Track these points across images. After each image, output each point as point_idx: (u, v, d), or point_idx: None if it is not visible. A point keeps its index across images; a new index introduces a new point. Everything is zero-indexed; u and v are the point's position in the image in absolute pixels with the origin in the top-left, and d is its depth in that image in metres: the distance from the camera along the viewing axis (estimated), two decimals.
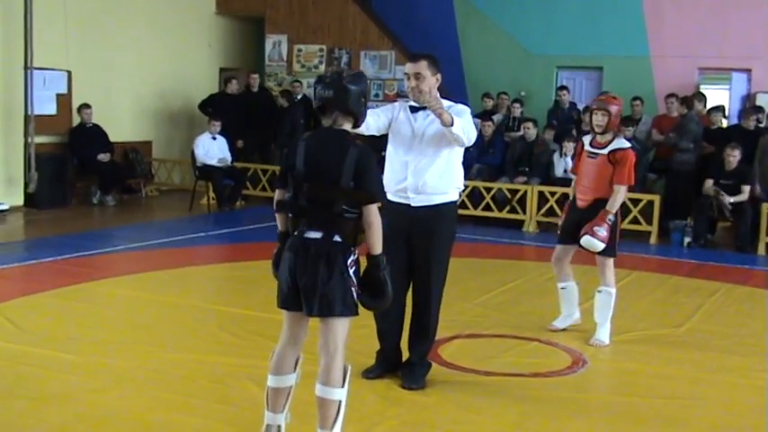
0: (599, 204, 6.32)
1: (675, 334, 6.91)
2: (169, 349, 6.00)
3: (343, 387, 4.01)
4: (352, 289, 3.97)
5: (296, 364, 4.17)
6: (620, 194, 6.30)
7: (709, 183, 11.29)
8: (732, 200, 11.11)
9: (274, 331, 6.38)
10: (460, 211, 12.71)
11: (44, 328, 6.48)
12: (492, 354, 6.21)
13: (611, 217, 6.25)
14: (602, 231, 6.19)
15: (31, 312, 6.92)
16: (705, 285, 8.94)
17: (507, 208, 12.69)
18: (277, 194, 4.16)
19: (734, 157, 11.07)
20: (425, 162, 5.15)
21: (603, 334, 6.47)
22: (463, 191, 11.52)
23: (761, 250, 11.14)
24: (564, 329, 6.76)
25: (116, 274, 8.57)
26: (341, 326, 3.99)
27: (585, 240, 6.24)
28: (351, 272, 3.97)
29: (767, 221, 11.15)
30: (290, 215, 4.05)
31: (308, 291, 3.95)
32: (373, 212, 3.95)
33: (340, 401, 4.01)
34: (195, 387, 5.24)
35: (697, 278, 9.38)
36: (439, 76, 5.21)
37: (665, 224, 11.79)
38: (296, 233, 4.03)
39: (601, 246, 6.23)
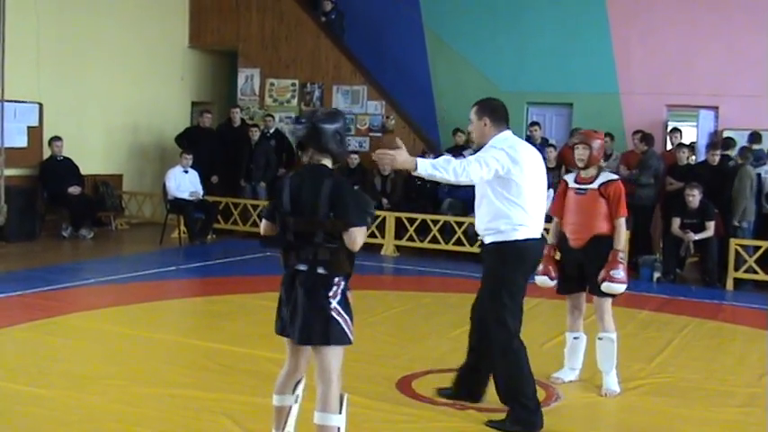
0: (597, 241, 6.13)
1: (647, 368, 6.96)
2: (142, 384, 5.94)
3: (340, 414, 4.16)
4: (337, 318, 4.10)
5: (295, 386, 4.36)
6: (623, 228, 6.15)
7: (677, 222, 11.44)
8: (697, 237, 11.27)
9: (248, 365, 6.42)
10: (432, 246, 12.89)
11: (14, 362, 6.42)
12: None
13: (622, 255, 6.09)
14: (620, 273, 6.01)
15: (1, 346, 6.85)
16: (675, 320, 9.03)
17: (479, 242, 12.71)
18: (263, 227, 4.36)
19: (693, 196, 11.24)
20: (477, 202, 5.31)
21: (612, 382, 6.25)
22: (439, 226, 11.42)
23: (729, 285, 11.28)
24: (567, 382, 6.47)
25: (87, 307, 8.50)
26: (331, 355, 4.14)
27: (606, 287, 6.05)
28: (335, 302, 4.10)
29: (734, 257, 11.31)
30: (282, 250, 4.21)
31: (291, 319, 4.16)
32: (353, 237, 4.06)
33: (338, 428, 4.16)
34: (169, 422, 5.19)
35: (667, 313, 9.47)
36: (486, 119, 5.30)
37: (635, 259, 11.91)
38: (287, 267, 4.21)
39: (622, 288, 6.08)
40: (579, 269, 6.28)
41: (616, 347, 6.27)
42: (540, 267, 6.28)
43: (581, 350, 6.52)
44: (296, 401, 4.38)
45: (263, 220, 4.38)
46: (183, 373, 6.32)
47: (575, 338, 6.52)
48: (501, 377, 5.33)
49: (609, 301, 6.25)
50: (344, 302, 4.16)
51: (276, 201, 4.26)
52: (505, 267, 5.23)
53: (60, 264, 11.17)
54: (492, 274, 5.30)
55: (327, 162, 4.22)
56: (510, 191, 5.13)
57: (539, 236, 5.29)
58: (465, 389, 5.71)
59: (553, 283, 6.37)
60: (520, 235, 5.16)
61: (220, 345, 7.05)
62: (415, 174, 4.87)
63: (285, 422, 4.37)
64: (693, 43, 14.14)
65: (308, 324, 4.09)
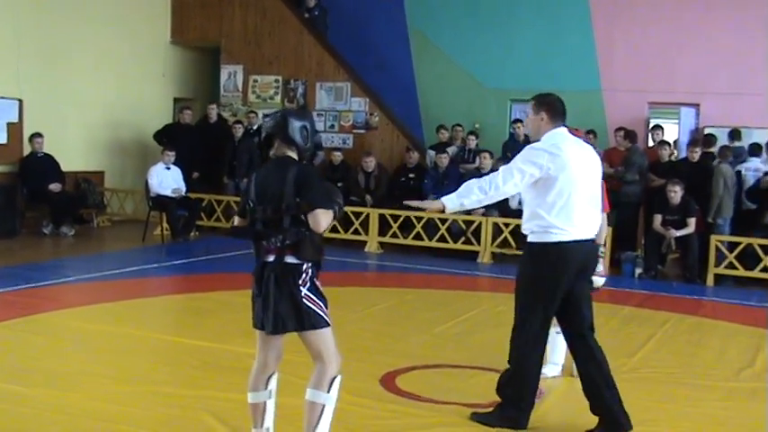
0: None
1: (628, 363, 6.99)
2: (124, 381, 5.92)
3: (328, 393, 4.23)
4: (309, 304, 4.18)
5: (268, 382, 4.39)
6: (605, 223, 6.11)
7: (658, 219, 11.51)
8: (678, 234, 11.33)
9: (229, 362, 6.41)
10: (415, 243, 12.91)
11: None
12: (450, 384, 6.24)
13: (602, 249, 6.12)
14: (600, 266, 6.06)
15: None
16: (656, 315, 9.08)
17: (462, 239, 12.78)
18: (236, 221, 4.48)
19: (675, 192, 11.30)
20: (523, 199, 5.20)
21: None
22: (423, 223, 11.36)
23: (709, 281, 11.36)
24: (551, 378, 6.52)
25: (68, 305, 8.45)
26: (315, 339, 4.24)
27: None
28: (305, 289, 4.18)
29: (715, 253, 11.39)
30: (253, 241, 4.29)
31: (264, 310, 4.22)
32: (317, 217, 4.12)
33: (323, 406, 4.21)
34: (152, 420, 5.17)
35: (648, 308, 9.52)
36: (544, 114, 5.15)
37: (617, 255, 11.97)
38: (258, 259, 4.28)
39: (602, 281, 6.17)
40: None
41: None
42: None
43: (563, 344, 6.51)
44: (270, 397, 4.40)
45: (235, 217, 4.50)
46: (166, 370, 6.31)
47: (556, 333, 6.53)
48: (509, 371, 5.28)
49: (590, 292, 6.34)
50: (315, 288, 4.23)
51: (245, 195, 4.37)
52: (533, 269, 5.10)
53: (41, 261, 11.11)
54: (521, 273, 5.21)
55: (293, 155, 4.32)
56: (547, 191, 4.95)
57: (582, 238, 5.03)
58: (604, 413, 5.26)
59: None
60: (554, 237, 4.97)
61: (203, 342, 7.03)
62: (448, 212, 5.01)
63: (263, 419, 4.40)
64: (675, 41, 14.23)
65: (280, 313, 4.17)
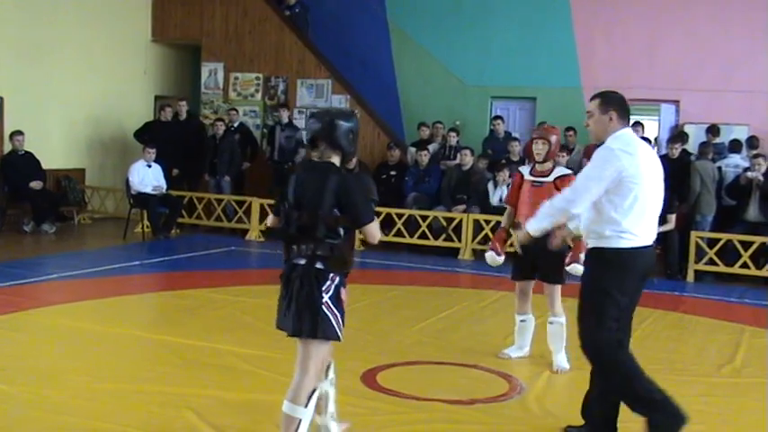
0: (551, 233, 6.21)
1: None
2: (105, 379, 5.91)
3: (306, 407, 4.19)
4: (327, 312, 4.15)
5: (326, 371, 4.49)
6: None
7: None
8: (659, 230, 11.37)
9: (212, 360, 6.41)
10: (396, 240, 12.92)
11: None
12: (430, 380, 6.25)
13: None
14: (582, 254, 6.02)
15: None
16: (637, 311, 9.06)
17: (443, 236, 12.80)
18: (270, 220, 4.43)
19: None
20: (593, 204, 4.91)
21: (562, 360, 6.56)
22: (404, 220, 11.35)
23: (690, 277, 11.44)
24: (515, 358, 6.84)
25: (49, 303, 8.40)
26: (315, 348, 4.22)
27: (572, 269, 6.16)
28: (327, 297, 4.15)
29: (695, 249, 11.46)
30: (284, 242, 4.27)
31: (287, 311, 4.20)
32: (369, 232, 4.20)
33: (300, 420, 4.18)
34: (133, 417, 5.16)
35: None
36: (613, 113, 4.93)
37: None
38: (287, 260, 4.25)
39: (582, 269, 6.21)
40: (530, 259, 6.50)
41: (565, 330, 6.56)
42: (489, 245, 6.72)
43: (529, 331, 6.87)
44: (331, 385, 4.52)
45: (270, 215, 4.45)
46: (147, 367, 6.29)
47: (521, 321, 6.87)
48: (616, 392, 5.02)
49: (559, 288, 6.58)
50: (336, 298, 4.20)
51: (282, 195, 4.30)
52: (606, 275, 4.79)
53: (22, 259, 11.04)
54: (590, 282, 4.89)
55: (336, 160, 4.24)
56: (625, 195, 4.70)
57: (648, 243, 4.83)
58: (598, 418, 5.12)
59: (501, 259, 6.60)
60: (626, 243, 4.74)
61: (184, 339, 7.02)
62: (534, 235, 4.95)
63: (326, 407, 4.48)
64: (654, 38, 14.31)
65: (300, 316, 4.14)
